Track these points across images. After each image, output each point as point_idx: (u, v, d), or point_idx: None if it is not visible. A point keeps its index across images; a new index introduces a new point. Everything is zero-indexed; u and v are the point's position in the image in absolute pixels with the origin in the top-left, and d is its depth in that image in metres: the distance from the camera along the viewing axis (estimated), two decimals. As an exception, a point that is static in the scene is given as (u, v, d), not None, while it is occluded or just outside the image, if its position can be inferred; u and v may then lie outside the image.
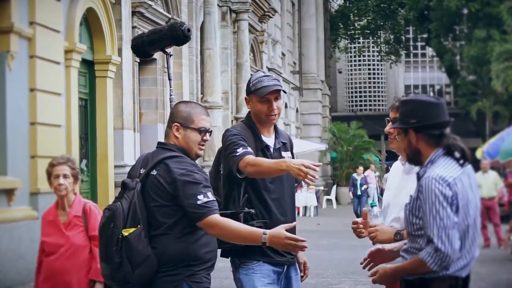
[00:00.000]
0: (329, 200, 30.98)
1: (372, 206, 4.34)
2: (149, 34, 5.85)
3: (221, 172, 4.54)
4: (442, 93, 55.10)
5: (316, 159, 33.41)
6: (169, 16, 15.99)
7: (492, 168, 16.48)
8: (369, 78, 55.04)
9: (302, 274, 4.70)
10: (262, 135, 4.58)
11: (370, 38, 45.39)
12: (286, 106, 30.43)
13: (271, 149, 4.58)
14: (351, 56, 53.14)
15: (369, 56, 53.30)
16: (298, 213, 24.21)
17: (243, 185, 4.45)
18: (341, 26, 43.55)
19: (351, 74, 55.42)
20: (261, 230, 3.78)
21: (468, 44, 36.27)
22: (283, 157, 4.61)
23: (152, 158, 3.95)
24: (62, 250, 5.30)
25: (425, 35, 44.01)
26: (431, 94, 52.76)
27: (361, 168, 23.97)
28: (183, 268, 3.82)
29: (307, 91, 35.03)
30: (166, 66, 15.01)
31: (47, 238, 5.38)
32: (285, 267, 4.57)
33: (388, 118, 4.34)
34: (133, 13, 14.20)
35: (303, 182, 5.09)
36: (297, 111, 34.08)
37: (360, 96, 55.15)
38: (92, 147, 12.59)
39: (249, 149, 4.39)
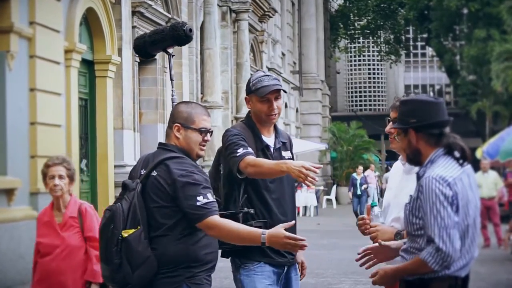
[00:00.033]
0: (329, 200, 30.98)
1: (372, 206, 4.34)
2: (151, 34, 5.85)
3: (221, 172, 4.54)
4: (442, 93, 55.10)
5: (316, 159, 33.41)
6: (169, 16, 15.99)
7: (492, 168, 16.48)
8: (369, 78, 55.04)
9: (299, 274, 4.71)
10: (262, 135, 4.58)
11: (370, 38, 45.40)
12: (286, 106, 30.43)
13: (271, 149, 4.58)
14: (351, 56, 53.14)
15: (369, 56, 53.31)
16: (298, 213, 24.21)
17: (243, 185, 4.45)
18: (341, 26, 43.55)
19: (351, 74, 55.42)
20: (260, 230, 3.77)
21: (468, 44, 36.27)
22: (283, 157, 4.61)
23: (153, 159, 3.94)
24: (57, 251, 5.28)
25: (425, 35, 44.01)
26: (431, 94, 52.76)
27: (360, 168, 23.97)
28: (183, 269, 3.81)
29: (307, 91, 35.03)
30: (166, 66, 14.93)
31: (42, 239, 5.36)
32: (286, 268, 4.57)
33: (389, 118, 4.34)
34: (133, 13, 14.20)
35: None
36: (297, 111, 34.07)
37: (360, 96, 55.15)
38: (92, 147, 12.59)
39: (250, 150, 4.38)
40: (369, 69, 55.01)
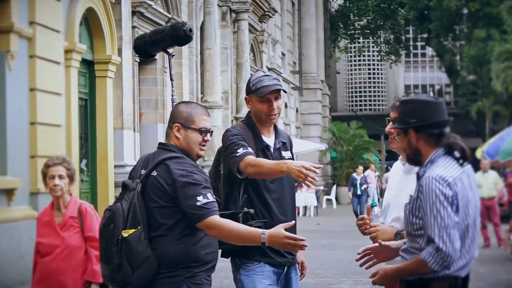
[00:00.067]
0: (329, 200, 30.97)
1: (372, 206, 4.34)
2: (151, 34, 5.84)
3: (221, 172, 4.53)
4: (442, 93, 55.11)
5: (316, 159, 33.40)
6: (169, 16, 15.99)
7: (492, 168, 16.48)
8: (369, 78, 55.05)
9: (299, 274, 4.71)
10: (262, 135, 4.58)
11: (370, 38, 45.40)
12: (286, 106, 30.44)
13: (271, 149, 4.58)
14: (351, 56, 53.15)
15: (369, 56, 53.31)
16: (298, 213, 24.20)
17: (243, 185, 4.45)
18: (341, 26, 43.55)
19: (351, 74, 55.42)
20: (260, 230, 3.76)
21: (468, 44, 36.27)
22: (283, 157, 4.61)
23: (153, 159, 3.94)
24: (57, 251, 5.28)
25: (425, 35, 44.02)
26: (431, 94, 52.77)
27: (360, 168, 23.97)
28: (183, 269, 3.81)
29: (307, 91, 35.03)
30: (166, 66, 14.92)
31: (42, 239, 5.35)
32: (286, 268, 4.57)
33: (389, 118, 4.34)
34: (133, 13, 14.20)
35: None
36: (297, 111, 34.08)
37: (360, 96, 55.16)
38: (92, 147, 12.58)
39: (250, 150, 4.38)
40: (369, 69, 55.02)
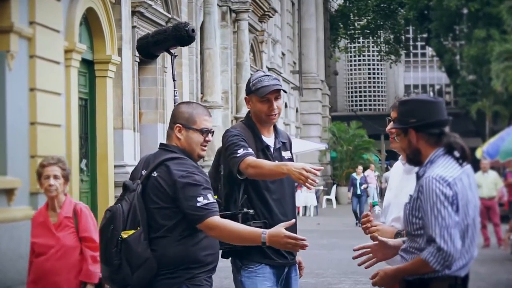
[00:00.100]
0: (329, 200, 30.97)
1: (373, 205, 4.33)
2: (153, 34, 5.86)
3: (221, 173, 4.53)
4: (442, 93, 55.10)
5: (316, 159, 33.39)
6: (169, 16, 15.99)
7: (492, 168, 16.48)
8: (369, 78, 55.05)
9: (299, 274, 4.71)
10: (262, 135, 4.58)
11: (370, 38, 45.40)
12: (286, 106, 30.43)
13: (271, 149, 4.58)
14: (351, 56, 53.15)
15: (369, 55, 53.31)
16: (298, 213, 24.19)
17: (243, 186, 4.44)
18: (341, 25, 43.55)
19: (351, 74, 55.42)
20: (260, 230, 3.75)
21: (468, 44, 36.27)
22: (283, 157, 4.61)
23: (154, 159, 3.93)
24: (52, 251, 5.26)
25: (425, 35, 44.02)
26: (431, 94, 52.77)
27: (360, 168, 23.95)
28: (182, 271, 3.80)
29: (307, 90, 35.03)
30: (166, 66, 14.91)
31: (37, 239, 5.34)
32: (286, 269, 4.56)
33: (389, 118, 4.33)
34: (133, 12, 14.20)
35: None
36: (297, 110, 34.07)
37: (360, 96, 55.16)
38: (92, 146, 12.58)
39: (250, 150, 4.38)
40: (369, 69, 55.02)
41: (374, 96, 55.17)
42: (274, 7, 26.55)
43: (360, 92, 55.13)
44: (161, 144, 4.03)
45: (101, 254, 3.88)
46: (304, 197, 25.31)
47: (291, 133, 31.33)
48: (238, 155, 4.34)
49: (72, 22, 11.43)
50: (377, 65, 53.79)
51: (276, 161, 4.52)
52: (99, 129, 12.54)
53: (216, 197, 3.98)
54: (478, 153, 16.51)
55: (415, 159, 3.56)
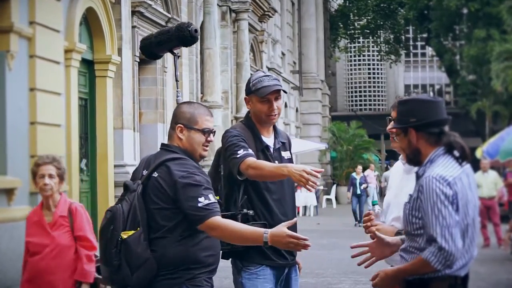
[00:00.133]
0: (329, 200, 30.97)
1: (373, 205, 4.34)
2: (157, 35, 5.85)
3: (221, 173, 4.53)
4: (442, 92, 55.09)
5: (316, 158, 33.39)
6: (169, 15, 15.99)
7: (492, 168, 16.48)
8: (369, 78, 55.05)
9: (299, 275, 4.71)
10: (262, 135, 4.57)
11: (370, 37, 45.40)
12: (286, 106, 30.43)
13: (271, 149, 4.57)
14: (351, 56, 53.14)
15: (369, 55, 53.31)
16: (298, 213, 24.20)
17: (243, 187, 4.44)
18: (341, 25, 43.55)
19: (351, 74, 55.42)
20: (262, 230, 3.73)
21: (468, 44, 36.27)
22: (283, 157, 4.61)
23: (155, 159, 3.92)
24: (47, 250, 5.25)
25: (425, 35, 44.02)
26: (431, 94, 52.77)
27: (360, 168, 23.95)
28: (183, 271, 3.79)
29: (307, 90, 35.02)
30: (166, 66, 14.83)
31: (31, 238, 5.33)
32: (286, 270, 4.56)
33: (390, 117, 4.33)
34: (133, 12, 14.20)
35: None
36: (297, 110, 34.06)
37: (360, 96, 55.15)
38: (92, 146, 12.58)
39: (250, 151, 4.37)
40: (369, 68, 55.01)
41: (374, 96, 55.17)
42: (274, 7, 26.55)
43: (360, 92, 55.12)
44: (162, 144, 4.02)
45: (101, 254, 3.88)
46: (304, 197, 25.32)
47: (291, 133, 31.32)
48: (238, 156, 4.33)
49: (72, 22, 11.43)
50: (377, 65, 53.79)
51: (276, 161, 4.52)
52: (99, 129, 12.54)
53: (218, 198, 3.97)
54: (478, 153, 16.51)
55: (415, 159, 3.56)
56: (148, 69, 15.39)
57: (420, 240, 3.43)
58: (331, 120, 39.14)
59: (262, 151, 4.52)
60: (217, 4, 19.86)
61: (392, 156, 33.87)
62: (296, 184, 4.42)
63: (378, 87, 55.28)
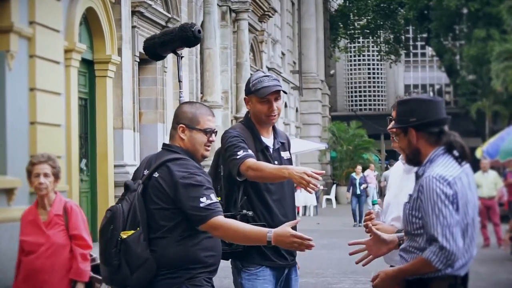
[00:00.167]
0: (328, 200, 30.97)
1: (373, 204, 4.34)
2: (160, 35, 5.84)
3: (221, 174, 4.52)
4: (442, 92, 55.09)
5: (315, 158, 33.39)
6: (169, 15, 15.99)
7: (491, 168, 16.47)
8: (369, 78, 55.04)
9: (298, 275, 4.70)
10: (261, 136, 4.57)
11: (370, 37, 45.39)
12: (286, 106, 30.43)
13: (271, 150, 4.57)
14: (351, 56, 53.13)
15: (368, 55, 53.31)
16: (298, 213, 24.19)
17: (242, 187, 4.43)
18: (341, 25, 43.54)
19: (351, 74, 55.41)
20: (266, 229, 3.72)
21: (468, 44, 36.27)
22: (282, 157, 4.60)
23: (156, 159, 3.91)
24: (42, 249, 5.25)
25: (425, 35, 44.03)
26: (431, 93, 52.76)
27: (359, 168, 23.95)
28: (182, 271, 3.78)
29: (306, 90, 35.02)
30: (166, 66, 14.80)
31: (26, 237, 5.32)
32: (286, 270, 4.56)
33: (390, 117, 4.33)
34: (133, 12, 14.20)
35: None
36: (296, 110, 34.06)
37: (360, 96, 55.15)
38: (92, 146, 12.58)
39: (250, 152, 4.36)
40: (368, 68, 55.01)
41: (374, 96, 55.17)
42: (274, 7, 26.55)
43: (360, 92, 55.12)
44: (164, 144, 4.01)
45: (101, 254, 3.86)
46: (303, 197, 25.31)
47: (291, 133, 31.32)
48: (238, 157, 4.32)
49: (72, 22, 11.44)
50: (377, 65, 53.78)
51: (276, 161, 4.52)
52: (99, 129, 12.55)
53: (219, 198, 3.96)
54: (478, 153, 16.51)
55: (415, 158, 3.56)
56: (148, 69, 15.40)
57: (420, 240, 3.43)
58: (331, 120, 39.15)
59: (262, 152, 4.52)
60: (217, 4, 19.86)
61: (392, 156, 33.85)
62: (295, 184, 4.42)
63: (378, 87, 55.28)
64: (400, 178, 4.33)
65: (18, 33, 9.71)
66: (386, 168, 32.67)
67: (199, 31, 5.61)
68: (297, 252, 4.27)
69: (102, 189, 12.45)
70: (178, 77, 5.89)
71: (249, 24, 22.73)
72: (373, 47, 49.61)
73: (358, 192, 22.32)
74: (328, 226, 21.34)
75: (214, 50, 19.15)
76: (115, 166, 12.82)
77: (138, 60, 14.51)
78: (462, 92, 39.74)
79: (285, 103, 30.09)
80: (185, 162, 3.84)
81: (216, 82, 19.15)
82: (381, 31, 44.19)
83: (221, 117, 19.18)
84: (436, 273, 3.36)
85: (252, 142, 4.49)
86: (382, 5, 41.87)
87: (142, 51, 13.99)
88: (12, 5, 9.62)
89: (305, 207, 26.19)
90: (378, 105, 54.99)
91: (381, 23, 42.83)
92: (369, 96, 55.04)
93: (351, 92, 55.39)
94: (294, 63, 34.42)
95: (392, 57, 44.65)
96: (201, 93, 19.03)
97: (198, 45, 18.61)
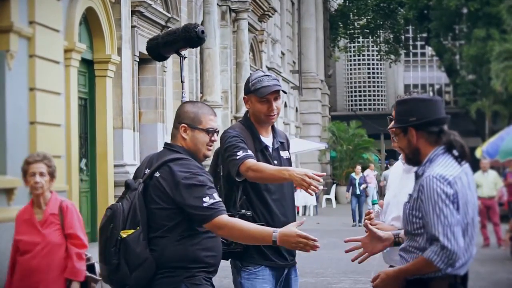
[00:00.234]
0: (328, 200, 30.97)
1: (373, 204, 4.34)
2: (163, 36, 5.82)
3: (221, 174, 4.51)
4: (441, 92, 55.09)
5: (315, 158, 33.38)
6: (169, 15, 15.98)
7: (491, 168, 16.47)
8: (369, 78, 55.02)
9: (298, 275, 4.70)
10: (260, 135, 4.56)
11: (370, 37, 45.38)
12: (285, 106, 30.43)
13: (270, 149, 4.56)
14: (350, 56, 53.12)
15: (368, 55, 53.29)
16: (298, 213, 24.19)
17: (241, 187, 4.43)
18: (341, 25, 43.54)
19: (351, 74, 55.40)
20: (271, 229, 3.71)
21: (467, 44, 36.26)
22: (282, 157, 4.60)
23: (157, 159, 3.90)
24: (38, 248, 5.24)
25: (424, 35, 44.01)
26: (431, 93, 52.74)
27: (358, 168, 23.96)
28: (181, 269, 3.77)
29: (306, 90, 35.01)
30: (166, 65, 14.74)
31: (22, 236, 5.31)
32: (286, 270, 4.56)
33: (391, 117, 4.33)
34: (133, 12, 14.19)
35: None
36: (296, 110, 34.06)
37: (360, 96, 55.13)
38: (91, 146, 12.58)
39: (250, 152, 4.35)
40: (368, 68, 54.99)
41: (374, 95, 55.15)
42: (273, 6, 26.54)
43: (359, 91, 55.10)
44: (166, 144, 3.99)
45: (100, 252, 3.85)
46: (303, 197, 25.30)
47: (291, 133, 31.31)
48: (237, 157, 4.31)
49: (71, 22, 11.43)
50: (377, 64, 53.76)
51: (275, 161, 4.52)
52: (98, 129, 12.54)
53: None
54: (478, 153, 16.51)
55: (415, 158, 3.56)
56: (147, 69, 15.39)
57: (420, 239, 3.43)
58: (331, 120, 39.14)
59: (261, 151, 4.51)
60: (217, 4, 19.85)
61: (392, 156, 33.86)
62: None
63: (378, 86, 55.26)
64: (399, 178, 4.33)
65: (18, 32, 9.71)
66: (386, 168, 32.67)
67: (202, 32, 5.60)
68: (297, 251, 4.26)
69: (102, 189, 12.45)
70: (181, 77, 5.86)
71: (249, 23, 22.72)
72: (373, 46, 49.60)
73: (358, 192, 22.32)
74: (328, 225, 21.34)
75: (213, 49, 19.14)
76: (115, 165, 12.82)
77: (138, 60, 14.50)
78: (462, 92, 39.73)
79: (285, 103, 30.09)
80: (187, 162, 3.82)
81: (215, 82, 19.15)
82: (381, 31, 44.18)
83: (221, 117, 19.17)
84: (436, 272, 3.36)
85: (251, 142, 4.49)
86: (382, 4, 41.86)
87: (142, 50, 14.00)
88: (12, 5, 9.61)
89: (305, 207, 26.18)
90: (378, 104, 54.99)
91: (381, 22, 42.83)
92: (369, 95, 55.03)
93: (351, 91, 55.38)
94: (294, 62, 34.42)
95: (392, 56, 44.65)
96: (201, 92, 19.03)
97: (198, 45, 18.62)
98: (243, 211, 4.36)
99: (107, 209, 3.86)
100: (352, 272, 11.28)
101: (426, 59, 56.00)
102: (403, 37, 46.30)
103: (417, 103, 3.55)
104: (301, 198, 24.81)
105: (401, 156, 4.37)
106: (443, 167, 3.41)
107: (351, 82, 55.34)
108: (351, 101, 55.10)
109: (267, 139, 4.58)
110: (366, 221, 3.86)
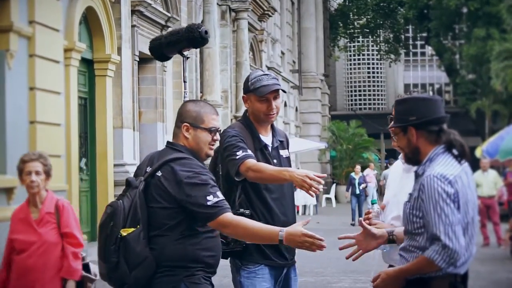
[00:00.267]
0: (328, 199, 30.97)
1: (372, 204, 4.34)
2: (166, 36, 5.81)
3: (220, 173, 4.51)
4: (441, 92, 55.08)
5: (315, 157, 33.37)
6: (169, 15, 15.98)
7: (491, 167, 16.47)
8: (369, 77, 55.00)
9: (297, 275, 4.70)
10: (260, 134, 4.56)
11: (370, 37, 45.36)
12: (285, 105, 30.43)
13: (269, 148, 4.56)
14: (350, 55, 53.11)
15: (368, 55, 53.28)
16: (298, 212, 24.17)
17: (240, 186, 4.42)
18: (341, 25, 43.52)
19: (351, 73, 55.39)
20: (278, 228, 3.71)
21: (467, 43, 36.25)
22: (281, 156, 4.60)
23: (159, 157, 3.88)
24: (34, 247, 5.22)
25: (424, 34, 44.00)
26: (431, 93, 52.72)
27: (358, 167, 23.95)
28: (180, 268, 3.77)
29: (306, 90, 35.00)
30: (166, 65, 14.77)
31: (17, 235, 5.29)
32: (285, 270, 4.55)
33: (391, 116, 4.33)
34: (133, 12, 14.19)
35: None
36: (296, 110, 34.05)
37: (360, 95, 55.12)
38: (91, 146, 12.58)
39: (249, 152, 4.34)
40: (368, 68, 54.97)
41: (374, 95, 55.14)
42: (273, 6, 26.53)
43: (359, 91, 55.09)
44: (168, 142, 3.98)
45: (99, 250, 3.84)
46: (303, 196, 25.27)
47: (291, 132, 31.30)
48: (237, 157, 4.30)
49: (71, 21, 11.43)
50: (377, 64, 53.75)
51: (275, 160, 4.51)
52: (98, 128, 12.54)
53: None
54: (478, 152, 16.51)
55: (414, 157, 3.56)
56: (147, 68, 15.39)
57: (420, 239, 3.42)
58: (331, 119, 39.13)
59: (261, 150, 4.51)
60: (217, 3, 19.85)
61: (392, 155, 33.87)
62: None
63: (378, 86, 55.25)
64: (399, 177, 4.32)
65: (17, 32, 9.71)
66: (386, 167, 32.69)
67: (206, 32, 5.58)
68: (297, 250, 4.26)
69: (102, 188, 12.45)
70: (183, 77, 5.86)
71: (249, 23, 22.72)
72: (372, 46, 49.57)
73: (357, 191, 22.32)
74: (327, 225, 21.32)
75: (213, 49, 19.13)
76: (114, 165, 12.82)
77: (138, 59, 14.50)
78: (461, 92, 39.72)
79: (285, 103, 30.08)
80: (189, 161, 3.82)
81: (215, 81, 19.15)
82: (380, 31, 44.16)
83: (220, 116, 19.17)
84: (437, 272, 3.35)
85: (250, 141, 4.48)
86: (381, 4, 41.85)
87: (142, 50, 13.99)
88: (12, 5, 9.61)
89: (304, 206, 26.18)
90: (378, 104, 54.98)
91: (381, 22, 42.81)
92: (369, 95, 55.02)
93: (351, 91, 55.37)
94: (294, 62, 34.41)
95: (392, 56, 44.63)
96: (201, 92, 19.02)
97: (198, 44, 18.61)
98: (241, 210, 4.35)
99: (107, 206, 3.85)
100: (352, 271, 11.28)
101: (426, 58, 55.99)
102: (403, 36, 46.27)
103: (416, 102, 3.55)
104: (301, 197, 24.80)
105: (401, 156, 4.37)
106: (444, 166, 3.41)
107: (351, 82, 55.34)
108: (351, 100, 55.09)
109: (266, 138, 4.58)
110: (360, 219, 3.86)
